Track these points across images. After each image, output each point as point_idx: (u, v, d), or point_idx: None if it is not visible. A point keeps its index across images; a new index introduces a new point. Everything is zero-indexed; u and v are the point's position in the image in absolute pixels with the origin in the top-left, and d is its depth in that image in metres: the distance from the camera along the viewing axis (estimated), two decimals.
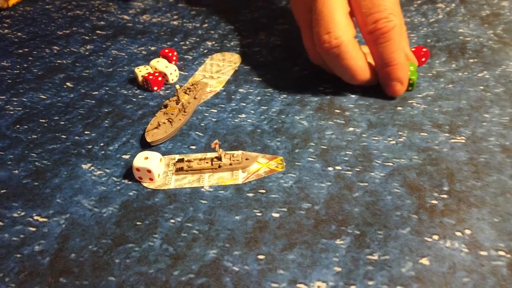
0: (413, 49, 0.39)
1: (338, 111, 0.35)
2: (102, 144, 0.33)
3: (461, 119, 0.33)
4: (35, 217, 0.28)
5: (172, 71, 0.39)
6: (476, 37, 0.44)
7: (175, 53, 0.42)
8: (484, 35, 0.44)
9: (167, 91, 0.39)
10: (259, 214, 0.27)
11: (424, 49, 0.39)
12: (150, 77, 0.38)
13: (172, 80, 0.40)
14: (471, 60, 0.40)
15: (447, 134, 0.32)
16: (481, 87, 0.37)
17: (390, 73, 0.34)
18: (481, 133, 0.32)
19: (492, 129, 0.32)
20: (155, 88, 0.39)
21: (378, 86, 0.36)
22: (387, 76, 0.34)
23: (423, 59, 0.39)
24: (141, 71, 0.39)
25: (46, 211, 0.28)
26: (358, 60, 0.34)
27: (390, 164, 0.30)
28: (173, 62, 0.42)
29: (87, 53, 0.45)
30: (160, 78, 0.39)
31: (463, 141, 0.31)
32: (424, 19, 0.48)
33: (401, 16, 0.34)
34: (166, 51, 0.42)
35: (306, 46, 0.38)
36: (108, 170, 0.31)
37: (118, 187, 0.30)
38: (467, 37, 0.44)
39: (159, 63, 0.40)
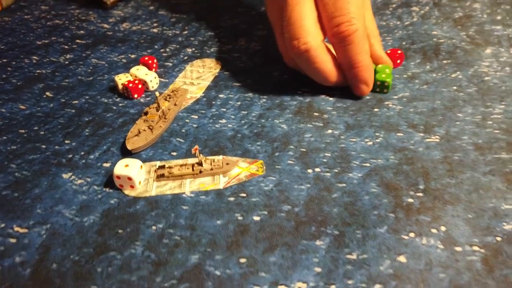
0: (388, 52, 0.40)
1: (317, 114, 0.36)
2: (82, 153, 0.33)
3: (435, 119, 0.34)
4: (16, 228, 0.28)
5: (152, 78, 0.40)
6: (449, 38, 0.45)
7: (155, 61, 0.42)
8: (457, 37, 0.45)
9: (147, 99, 0.39)
10: (240, 218, 0.27)
11: (399, 52, 0.40)
12: (130, 85, 0.38)
13: (152, 87, 0.40)
14: (444, 61, 0.41)
15: (422, 134, 0.33)
16: (455, 87, 0.38)
17: (356, 75, 0.35)
18: (454, 132, 0.33)
19: (466, 128, 0.33)
20: (136, 95, 0.39)
21: None
22: (353, 78, 0.36)
23: (398, 61, 0.40)
24: (121, 79, 0.39)
25: (26, 222, 0.28)
26: (328, 63, 0.35)
27: (368, 164, 0.30)
28: (153, 70, 0.42)
29: (66, 62, 0.45)
30: (140, 86, 0.39)
31: (438, 140, 0.32)
32: (399, 22, 0.49)
33: (364, 20, 0.35)
34: (146, 58, 0.42)
35: (280, 50, 0.38)
36: (89, 179, 0.31)
37: (99, 196, 0.30)
38: (441, 39, 0.45)
39: (139, 71, 0.40)
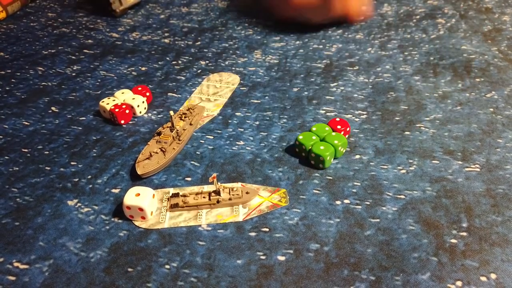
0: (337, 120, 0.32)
1: None
2: (89, 177, 0.31)
3: (473, 144, 0.31)
4: (15, 264, 0.25)
5: (139, 103, 0.36)
6: (480, 54, 0.42)
7: (148, 94, 0.38)
8: (488, 52, 0.42)
9: (159, 116, 0.37)
10: (263, 258, 0.25)
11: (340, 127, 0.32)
12: (117, 109, 0.35)
13: (140, 112, 0.37)
14: (477, 80, 0.38)
15: (460, 162, 0.30)
16: (491, 109, 0.35)
17: None
18: (496, 161, 0.30)
19: (507, 156, 0.30)
20: (122, 121, 0.36)
21: (381, 109, 0.34)
22: None
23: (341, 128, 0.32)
24: (109, 104, 0.36)
25: (27, 256, 0.25)
26: None
27: (402, 196, 0.28)
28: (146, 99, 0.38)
29: (73, 74, 0.43)
30: (127, 111, 0.36)
31: (478, 169, 0.29)
32: (425, 35, 0.46)
33: None
34: (139, 89, 0.38)
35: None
36: (96, 207, 0.28)
37: (107, 227, 0.27)
38: (471, 54, 0.42)
39: (125, 94, 0.37)
